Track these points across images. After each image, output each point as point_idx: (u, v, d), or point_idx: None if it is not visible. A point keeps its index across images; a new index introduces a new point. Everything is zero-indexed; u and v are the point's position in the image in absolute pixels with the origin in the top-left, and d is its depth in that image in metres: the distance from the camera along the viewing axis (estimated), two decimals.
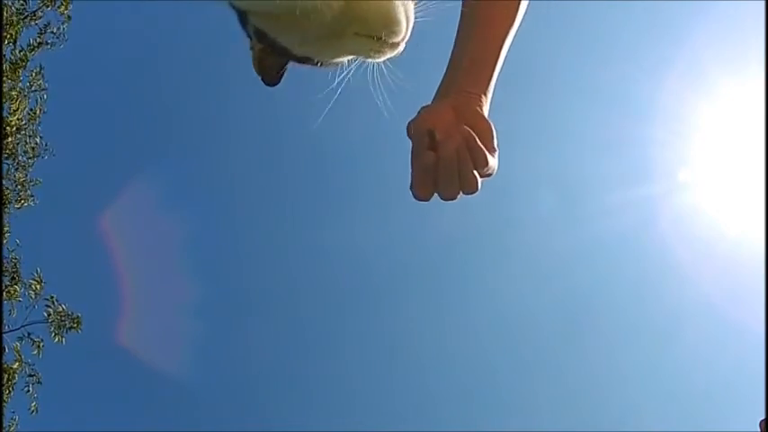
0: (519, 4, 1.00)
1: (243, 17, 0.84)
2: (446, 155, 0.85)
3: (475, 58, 0.94)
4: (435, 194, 0.87)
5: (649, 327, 15.85)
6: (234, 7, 0.83)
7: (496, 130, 0.89)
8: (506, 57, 0.97)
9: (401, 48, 0.87)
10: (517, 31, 0.99)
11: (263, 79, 0.92)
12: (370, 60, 0.88)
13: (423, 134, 0.86)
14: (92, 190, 13.35)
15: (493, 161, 0.87)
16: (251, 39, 0.87)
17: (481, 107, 0.91)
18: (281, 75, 0.92)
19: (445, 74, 0.95)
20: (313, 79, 0.90)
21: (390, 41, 0.85)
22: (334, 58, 0.87)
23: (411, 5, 0.86)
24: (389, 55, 0.87)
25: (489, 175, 0.87)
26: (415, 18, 0.87)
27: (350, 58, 0.88)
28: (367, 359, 15.54)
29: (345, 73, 0.88)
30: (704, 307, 14.63)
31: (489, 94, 0.93)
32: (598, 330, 16.08)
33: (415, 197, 0.87)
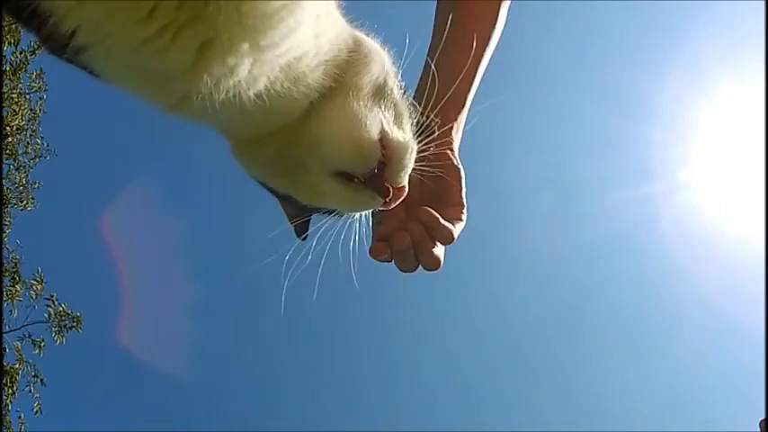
0: (500, 4, 0.92)
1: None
2: (398, 249, 0.76)
3: (446, 90, 0.82)
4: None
5: (649, 327, 15.85)
6: None
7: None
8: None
9: (393, 201, 0.69)
10: (501, 36, 0.92)
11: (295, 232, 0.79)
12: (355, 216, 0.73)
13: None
14: (92, 190, 13.36)
15: (460, 225, 0.79)
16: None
17: (452, 147, 0.81)
18: (305, 224, 0.79)
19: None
20: None
21: (370, 184, 0.67)
22: (315, 202, 0.72)
23: (400, 125, 0.69)
24: (372, 206, 0.71)
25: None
26: (421, 146, 0.72)
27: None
28: (366, 358, 15.53)
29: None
30: (704, 307, 14.63)
31: (461, 123, 0.84)
32: (598, 330, 16.08)
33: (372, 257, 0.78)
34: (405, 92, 0.73)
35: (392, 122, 0.68)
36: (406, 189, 0.70)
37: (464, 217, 0.80)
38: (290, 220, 0.79)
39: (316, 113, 0.65)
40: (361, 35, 0.71)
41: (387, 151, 0.67)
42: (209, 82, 0.56)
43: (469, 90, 0.87)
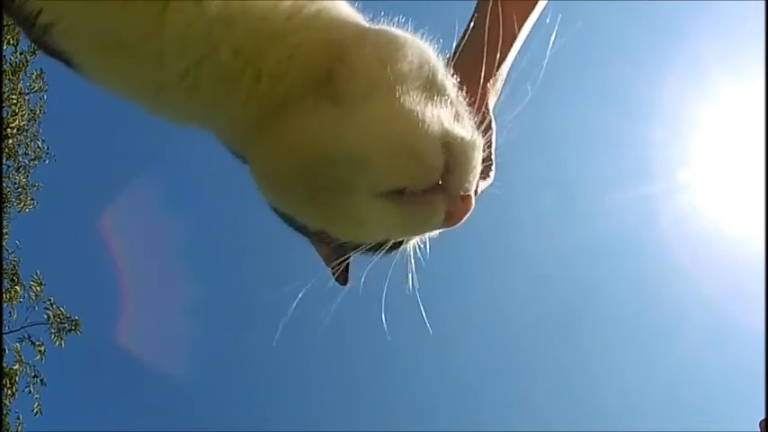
0: (536, 3, 0.93)
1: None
2: None
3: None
4: None
5: (649, 327, 15.86)
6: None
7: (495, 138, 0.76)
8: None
9: (457, 219, 0.57)
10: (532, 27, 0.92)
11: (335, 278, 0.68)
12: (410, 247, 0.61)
13: None
14: (92, 191, 13.37)
15: (485, 182, 0.72)
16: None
17: (486, 100, 0.76)
18: (346, 270, 0.67)
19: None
20: None
21: (421, 207, 0.54)
22: (356, 237, 0.60)
23: (461, 123, 0.56)
24: (435, 229, 0.58)
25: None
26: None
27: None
28: (366, 358, 15.53)
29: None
30: (704, 307, 14.64)
31: (499, 78, 0.79)
32: (598, 330, 16.08)
33: None
34: (459, 90, 0.62)
35: (452, 120, 0.56)
36: (474, 200, 0.58)
37: (492, 174, 0.71)
38: (326, 262, 0.68)
39: (341, 106, 0.55)
40: (387, 26, 0.61)
41: (450, 155, 0.54)
42: (179, 20, 0.51)
43: (510, 48, 0.82)
